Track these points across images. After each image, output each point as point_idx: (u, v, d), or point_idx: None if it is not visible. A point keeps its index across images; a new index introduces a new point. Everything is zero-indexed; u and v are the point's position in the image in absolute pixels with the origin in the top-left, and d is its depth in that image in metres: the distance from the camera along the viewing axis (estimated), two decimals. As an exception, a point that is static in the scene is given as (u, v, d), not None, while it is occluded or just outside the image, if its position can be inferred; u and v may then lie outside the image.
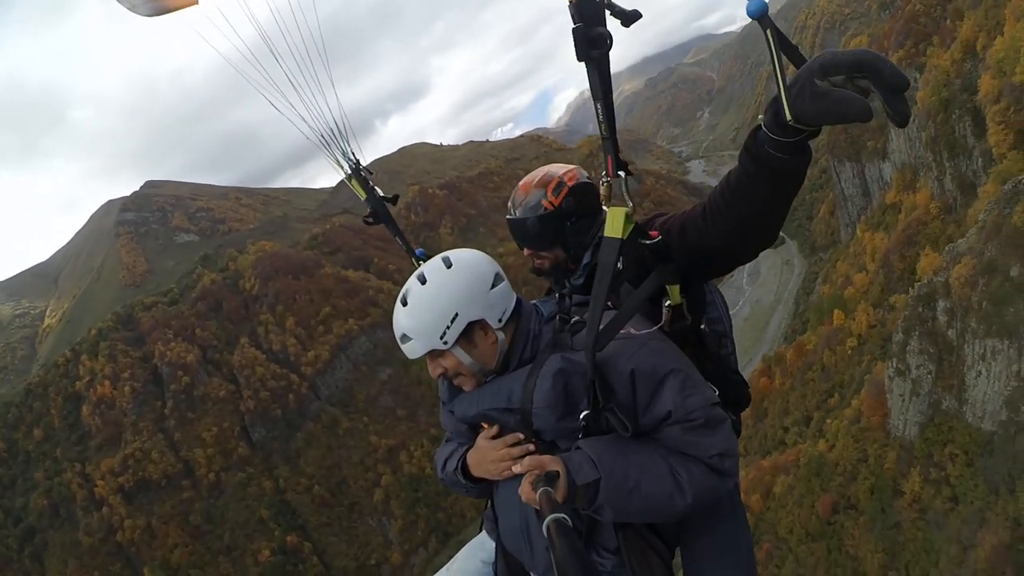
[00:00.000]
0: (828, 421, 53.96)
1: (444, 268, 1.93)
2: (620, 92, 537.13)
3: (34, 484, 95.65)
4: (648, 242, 1.87)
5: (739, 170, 1.64)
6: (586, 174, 2.47)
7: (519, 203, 2.40)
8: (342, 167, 3.39)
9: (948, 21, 61.80)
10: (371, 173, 3.49)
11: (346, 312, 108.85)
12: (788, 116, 1.39)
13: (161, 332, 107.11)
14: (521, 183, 2.46)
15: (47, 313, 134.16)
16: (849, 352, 61.29)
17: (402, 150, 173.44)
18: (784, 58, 1.40)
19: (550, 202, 2.34)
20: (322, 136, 3.24)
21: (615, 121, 1.73)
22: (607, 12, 1.61)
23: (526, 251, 2.47)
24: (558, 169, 2.44)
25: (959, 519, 36.20)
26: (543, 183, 2.38)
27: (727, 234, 1.75)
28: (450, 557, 2.60)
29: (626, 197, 1.80)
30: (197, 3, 3.47)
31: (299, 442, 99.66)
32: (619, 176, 1.80)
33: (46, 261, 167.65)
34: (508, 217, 2.45)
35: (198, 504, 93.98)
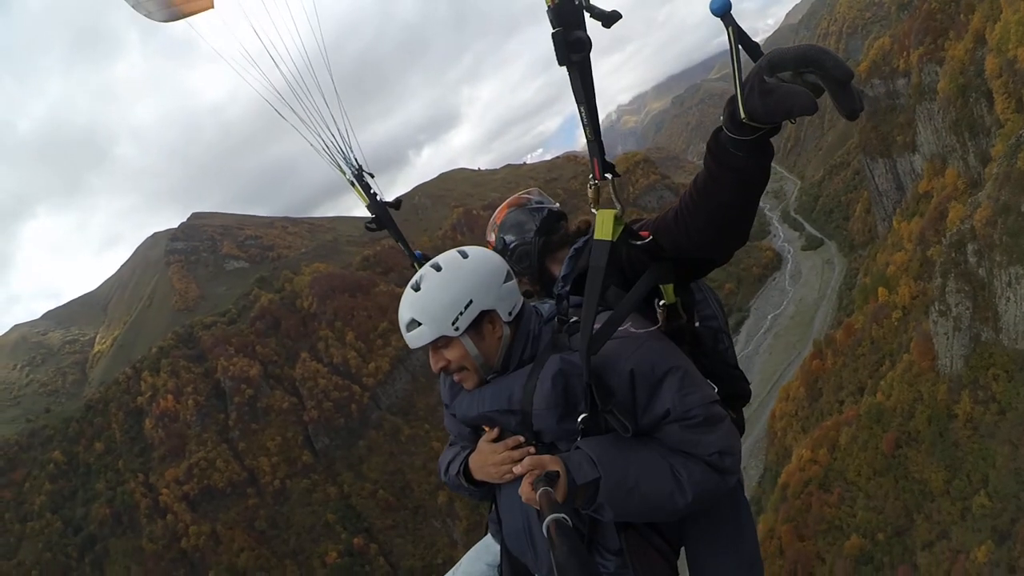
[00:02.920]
0: (881, 382, 62.65)
1: (460, 258, 2.08)
2: (647, 112, 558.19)
3: (95, 495, 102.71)
4: (639, 243, 1.95)
5: (704, 172, 1.70)
6: (519, 206, 3.01)
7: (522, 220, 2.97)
8: (344, 172, 3.59)
9: (961, 16, 72.31)
10: (372, 176, 3.68)
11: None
12: (741, 114, 1.45)
13: (223, 348, 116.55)
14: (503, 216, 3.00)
15: (97, 340, 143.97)
16: (895, 323, 70.09)
17: (442, 175, 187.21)
18: (745, 56, 1.48)
19: (490, 246, 2.97)
20: (325, 144, 3.42)
21: (599, 124, 1.81)
22: (586, 15, 1.66)
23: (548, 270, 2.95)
24: (497, 212, 3.02)
25: (1008, 425, 45.61)
26: (489, 228, 2.99)
27: (697, 236, 1.82)
28: (480, 539, 2.79)
29: (614, 199, 1.91)
30: (213, 7, 3.78)
31: (362, 449, 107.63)
32: (606, 179, 1.88)
33: (94, 291, 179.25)
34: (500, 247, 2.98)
35: (263, 510, 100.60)
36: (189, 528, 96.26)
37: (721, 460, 1.86)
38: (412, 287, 2.07)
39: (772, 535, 59.66)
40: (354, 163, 3.59)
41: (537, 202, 3.02)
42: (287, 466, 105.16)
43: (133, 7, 3.67)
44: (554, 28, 1.64)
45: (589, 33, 1.68)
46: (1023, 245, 46.03)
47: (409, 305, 2.05)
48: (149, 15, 3.72)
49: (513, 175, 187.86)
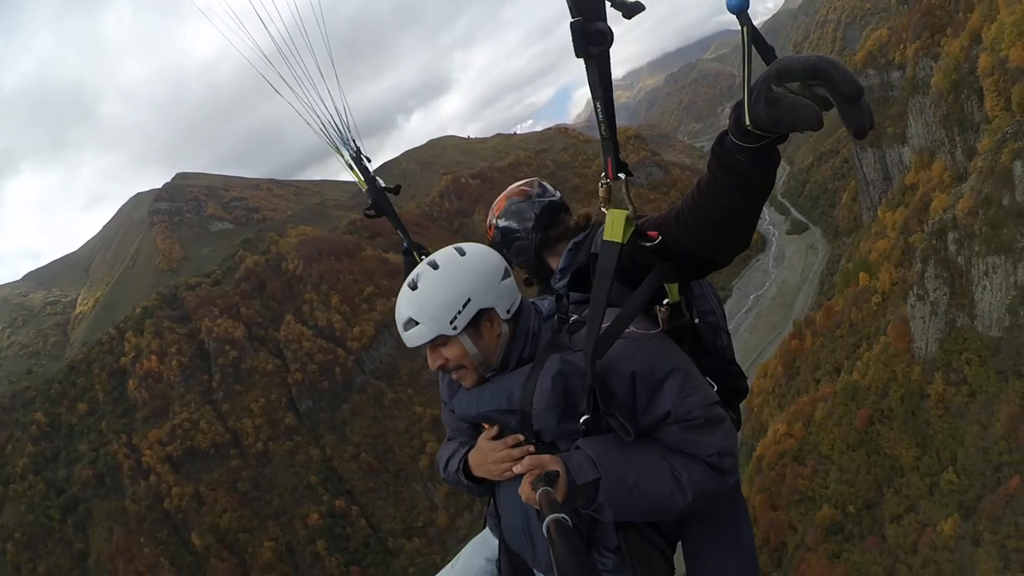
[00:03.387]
0: (857, 362, 65.38)
1: (457, 256, 2.08)
2: (641, 88, 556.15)
3: (78, 456, 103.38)
4: (649, 244, 1.94)
5: (707, 176, 1.70)
6: (518, 197, 2.98)
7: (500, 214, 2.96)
8: (343, 155, 3.56)
9: (960, 13, 73.49)
10: (370, 160, 3.63)
11: (388, 291, 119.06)
12: (747, 121, 1.43)
13: (207, 310, 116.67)
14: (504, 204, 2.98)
15: (79, 301, 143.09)
16: (874, 308, 72.32)
17: (432, 142, 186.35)
18: (756, 59, 1.44)
19: (490, 237, 3.02)
20: (323, 125, 3.38)
21: (615, 121, 1.77)
22: (607, 4, 1.58)
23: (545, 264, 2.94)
24: (497, 201, 2.99)
25: (977, 406, 48.18)
26: (487, 223, 2.97)
27: (699, 238, 1.83)
28: (479, 533, 2.76)
29: (627, 200, 1.88)
30: None
31: (345, 413, 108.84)
32: (619, 178, 1.86)
33: (76, 252, 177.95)
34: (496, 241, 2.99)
35: (246, 472, 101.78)
36: (172, 489, 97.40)
37: (721, 460, 1.90)
38: (409, 285, 2.07)
39: (747, 505, 62.54)
40: (352, 146, 3.57)
41: (538, 194, 3.02)
42: (270, 428, 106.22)
43: None
44: (573, 17, 1.57)
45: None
46: (1002, 236, 48.19)
47: (407, 304, 2.05)
48: None
49: (503, 144, 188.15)
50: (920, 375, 54.21)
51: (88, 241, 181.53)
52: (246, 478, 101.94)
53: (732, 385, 2.42)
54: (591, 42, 1.58)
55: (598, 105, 1.70)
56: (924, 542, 44.86)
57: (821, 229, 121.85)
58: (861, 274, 78.29)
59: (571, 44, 1.58)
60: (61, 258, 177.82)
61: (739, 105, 1.46)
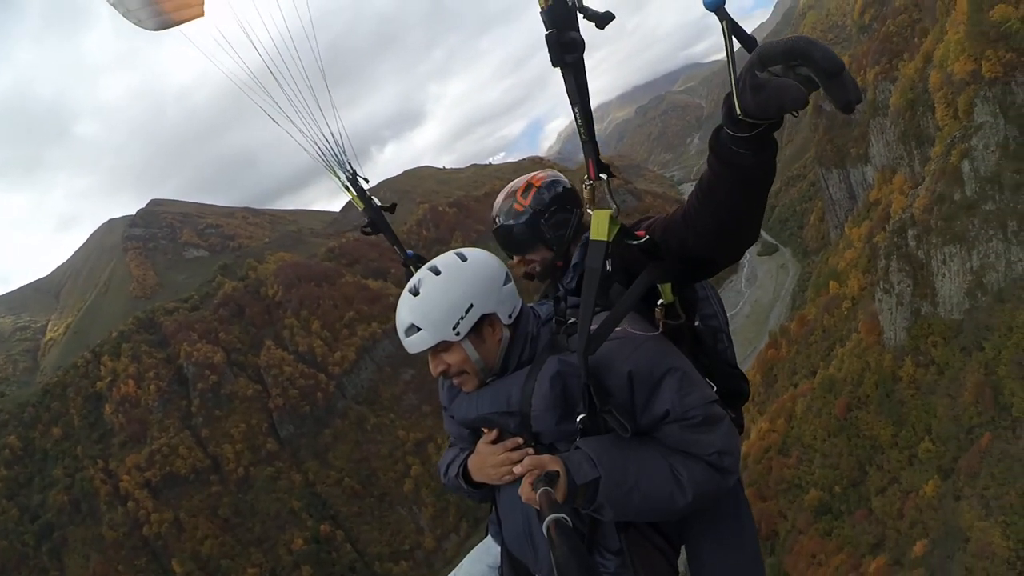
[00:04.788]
0: (832, 360, 70.62)
1: (459, 261, 2.09)
2: (611, 120, 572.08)
3: (52, 481, 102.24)
4: (636, 242, 1.95)
5: (708, 173, 1.74)
6: (558, 175, 2.79)
7: (497, 213, 2.73)
8: (339, 178, 3.67)
9: (916, 39, 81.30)
10: (367, 181, 3.75)
11: (369, 317, 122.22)
12: (737, 110, 1.48)
13: (185, 334, 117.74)
14: (498, 196, 2.79)
15: (49, 327, 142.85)
16: (845, 312, 78.44)
17: (408, 172, 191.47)
18: (739, 53, 1.49)
19: (520, 205, 2.67)
20: (320, 150, 3.50)
21: (593, 125, 1.84)
22: (580, 16, 1.69)
23: (515, 258, 2.76)
24: (526, 176, 2.80)
25: (946, 382, 53.91)
26: (512, 190, 2.73)
27: (707, 236, 1.88)
28: (481, 541, 2.82)
29: (610, 199, 1.93)
30: (203, 15, 3.82)
31: (327, 438, 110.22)
32: (601, 179, 1.92)
33: (46, 277, 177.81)
34: (493, 230, 2.78)
35: (227, 498, 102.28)
36: (151, 515, 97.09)
37: (721, 460, 1.94)
38: (410, 291, 2.09)
39: (749, 505, 66.30)
40: (348, 168, 3.69)
41: (566, 182, 2.86)
42: (251, 453, 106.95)
43: (123, 15, 3.74)
44: (548, 29, 1.69)
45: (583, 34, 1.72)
46: (955, 228, 54.72)
47: (408, 310, 2.07)
48: (140, 23, 3.83)
49: (479, 174, 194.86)
50: (891, 362, 59.62)
51: (58, 267, 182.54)
52: (227, 504, 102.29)
53: (734, 387, 2.48)
54: (566, 51, 1.70)
55: (576, 111, 1.80)
56: (909, 507, 49.73)
57: (791, 250, 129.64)
58: (831, 283, 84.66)
59: (545, 67, 1.72)
60: (31, 283, 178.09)
61: (728, 98, 1.51)
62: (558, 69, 1.75)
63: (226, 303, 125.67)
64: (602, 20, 1.71)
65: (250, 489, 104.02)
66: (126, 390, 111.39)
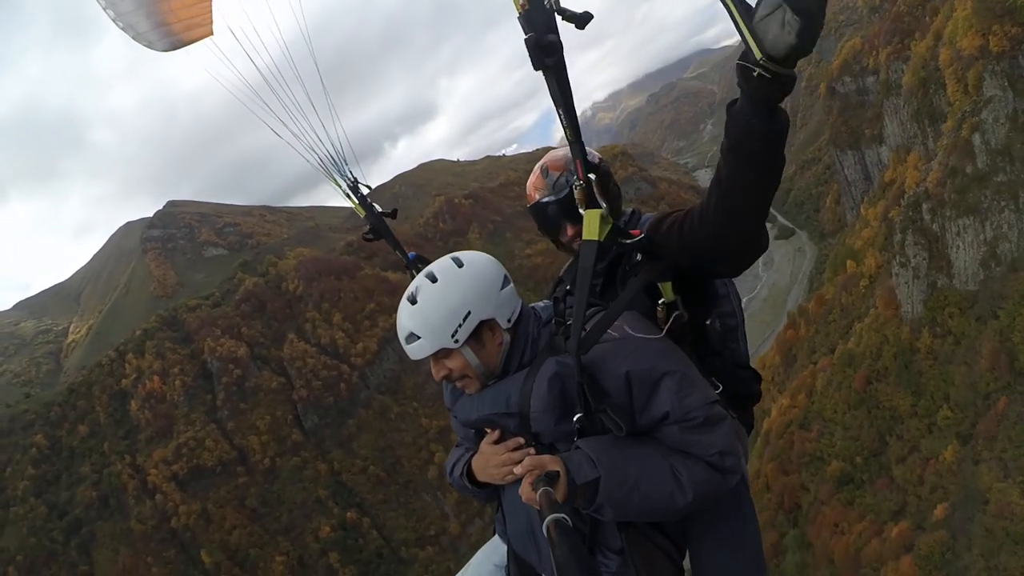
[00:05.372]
0: (851, 336, 72.42)
1: (455, 267, 2.13)
2: (623, 108, 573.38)
3: (80, 478, 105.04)
4: (629, 241, 2.01)
5: (720, 160, 1.78)
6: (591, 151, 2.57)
7: (539, 188, 2.63)
8: (340, 186, 3.77)
9: (927, 17, 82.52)
10: (370, 189, 3.85)
11: (390, 308, 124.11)
12: (757, 56, 1.48)
13: (208, 330, 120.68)
14: (534, 173, 2.69)
15: (71, 329, 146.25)
16: (863, 291, 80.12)
17: (422, 165, 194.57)
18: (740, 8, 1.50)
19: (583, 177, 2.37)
20: (321, 159, 3.57)
21: (579, 125, 1.89)
22: (558, 18, 1.72)
23: (570, 230, 2.58)
24: (562, 151, 2.60)
25: (962, 351, 55.75)
26: (557, 166, 2.60)
27: (710, 225, 1.92)
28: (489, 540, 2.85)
29: (599, 199, 1.99)
30: (212, 34, 3.89)
31: (351, 428, 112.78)
32: (590, 179, 1.98)
33: (66, 281, 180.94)
34: (529, 206, 2.68)
35: (253, 489, 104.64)
36: (179, 507, 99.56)
37: (722, 460, 1.97)
38: (408, 299, 2.13)
39: (759, 475, 68.30)
40: (349, 176, 3.78)
41: None
42: (277, 444, 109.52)
43: (133, 38, 3.80)
44: (526, 34, 1.72)
45: (563, 35, 1.75)
46: (968, 200, 56.61)
47: (407, 318, 2.12)
48: (150, 45, 3.90)
49: (493, 166, 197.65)
50: (909, 334, 61.49)
51: (78, 271, 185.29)
52: (254, 494, 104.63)
53: (743, 388, 2.50)
54: (545, 54, 1.73)
55: (560, 112, 1.84)
56: (929, 472, 51.84)
57: (808, 233, 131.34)
58: (848, 262, 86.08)
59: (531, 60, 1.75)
60: (51, 287, 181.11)
61: (745, 53, 1.52)
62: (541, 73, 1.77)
63: (248, 299, 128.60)
64: (581, 20, 1.74)
65: (276, 479, 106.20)
66: (151, 386, 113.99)
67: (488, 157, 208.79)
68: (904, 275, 63.08)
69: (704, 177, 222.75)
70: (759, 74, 1.51)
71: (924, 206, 61.16)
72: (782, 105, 1.63)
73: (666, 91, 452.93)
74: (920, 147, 79.41)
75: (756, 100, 1.59)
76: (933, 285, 60.47)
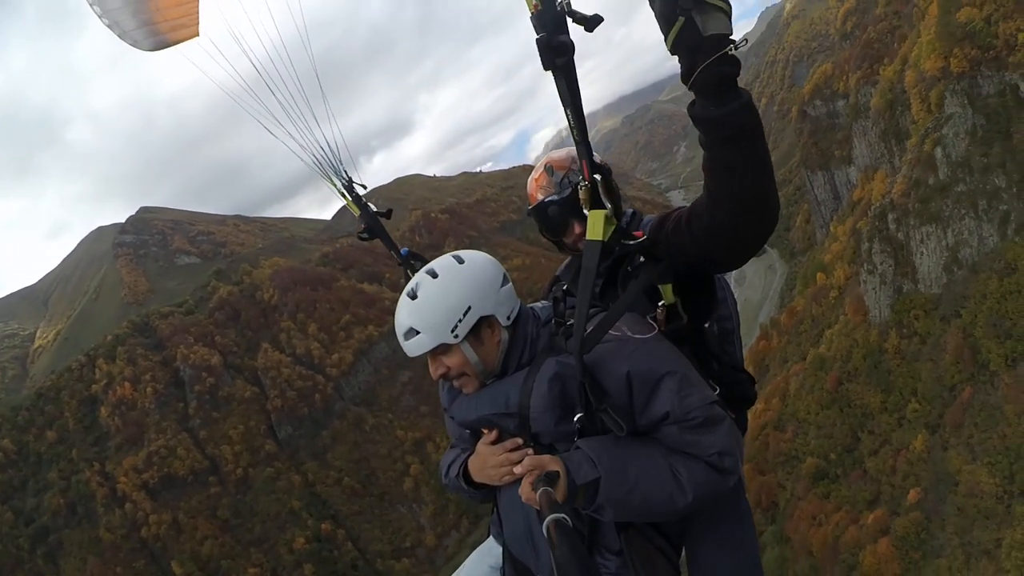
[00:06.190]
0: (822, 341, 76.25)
1: (456, 263, 2.14)
2: (598, 130, 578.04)
3: (47, 485, 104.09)
4: (632, 243, 2.02)
5: (705, 155, 1.80)
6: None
7: (543, 186, 2.63)
8: (336, 185, 3.78)
9: (895, 44, 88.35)
10: (365, 188, 3.88)
11: (365, 320, 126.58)
12: (668, 47, 1.59)
13: (181, 337, 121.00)
14: (537, 172, 2.70)
15: (38, 334, 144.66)
16: (832, 301, 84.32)
17: (399, 180, 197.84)
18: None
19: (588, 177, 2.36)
20: (316, 158, 3.59)
21: (586, 126, 1.88)
22: (569, 19, 1.71)
23: (577, 229, 2.57)
24: (564, 151, 2.65)
25: (928, 348, 59.66)
26: (561, 165, 2.61)
27: (706, 215, 1.90)
28: (483, 537, 2.89)
29: (604, 200, 1.97)
30: (198, 35, 3.88)
31: (326, 439, 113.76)
32: (596, 179, 1.96)
33: (34, 285, 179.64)
34: (529, 208, 2.69)
35: (226, 499, 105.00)
36: (149, 517, 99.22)
37: (721, 460, 1.99)
38: (408, 294, 2.13)
39: (750, 505, 70.89)
40: (344, 175, 3.82)
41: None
42: (250, 455, 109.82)
43: (119, 36, 3.77)
44: (538, 34, 1.72)
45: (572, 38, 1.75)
46: (931, 209, 61.36)
47: (407, 313, 2.12)
48: (135, 44, 3.87)
49: (469, 182, 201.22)
50: (877, 336, 65.51)
51: (47, 274, 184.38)
52: (226, 505, 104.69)
53: (740, 391, 2.51)
54: (556, 54, 1.73)
55: (568, 112, 1.84)
56: (901, 462, 55.34)
57: (778, 251, 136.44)
58: (819, 274, 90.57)
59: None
60: (18, 291, 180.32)
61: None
62: (550, 74, 1.80)
63: (222, 307, 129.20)
64: (591, 23, 1.74)
65: (249, 490, 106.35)
66: (122, 392, 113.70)
67: (465, 173, 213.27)
68: (872, 281, 67.31)
69: (677, 198, 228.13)
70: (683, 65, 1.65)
71: (890, 216, 65.72)
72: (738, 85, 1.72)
73: (641, 113, 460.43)
74: (887, 165, 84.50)
75: (696, 91, 1.69)
76: (899, 290, 64.68)
